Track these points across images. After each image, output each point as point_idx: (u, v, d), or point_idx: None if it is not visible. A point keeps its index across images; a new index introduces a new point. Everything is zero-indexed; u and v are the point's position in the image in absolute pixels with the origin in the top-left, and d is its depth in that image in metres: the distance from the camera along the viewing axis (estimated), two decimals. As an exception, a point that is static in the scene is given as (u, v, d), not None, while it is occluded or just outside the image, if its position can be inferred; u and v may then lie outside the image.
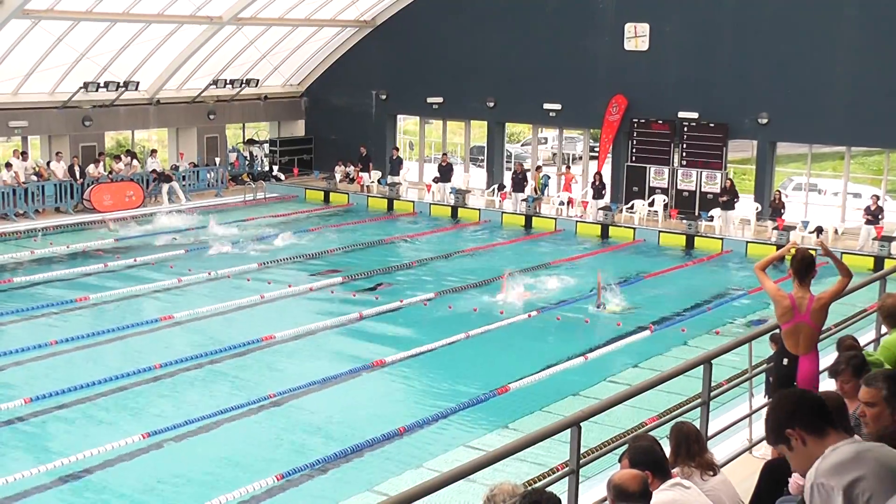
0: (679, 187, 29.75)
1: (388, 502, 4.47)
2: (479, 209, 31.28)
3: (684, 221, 28.10)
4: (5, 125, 29.35)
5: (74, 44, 28.29)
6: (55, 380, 15.59)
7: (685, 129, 29.50)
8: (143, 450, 13.12)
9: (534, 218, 29.95)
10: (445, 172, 32.54)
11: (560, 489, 5.46)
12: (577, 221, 29.35)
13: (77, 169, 30.12)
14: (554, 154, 37.91)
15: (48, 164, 30.20)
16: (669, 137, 29.79)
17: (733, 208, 27.98)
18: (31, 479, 12.05)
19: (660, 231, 28.11)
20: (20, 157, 29.74)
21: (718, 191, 28.58)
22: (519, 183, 30.89)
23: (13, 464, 12.57)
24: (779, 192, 28.19)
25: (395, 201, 32.49)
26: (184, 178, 33.08)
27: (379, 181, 33.88)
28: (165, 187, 31.66)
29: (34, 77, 29.01)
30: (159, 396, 15.30)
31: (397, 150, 34.65)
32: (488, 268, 24.30)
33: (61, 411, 14.49)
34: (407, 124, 40.32)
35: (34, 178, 29.39)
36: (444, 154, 34.01)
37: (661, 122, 29.78)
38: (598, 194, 29.93)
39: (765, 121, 28.46)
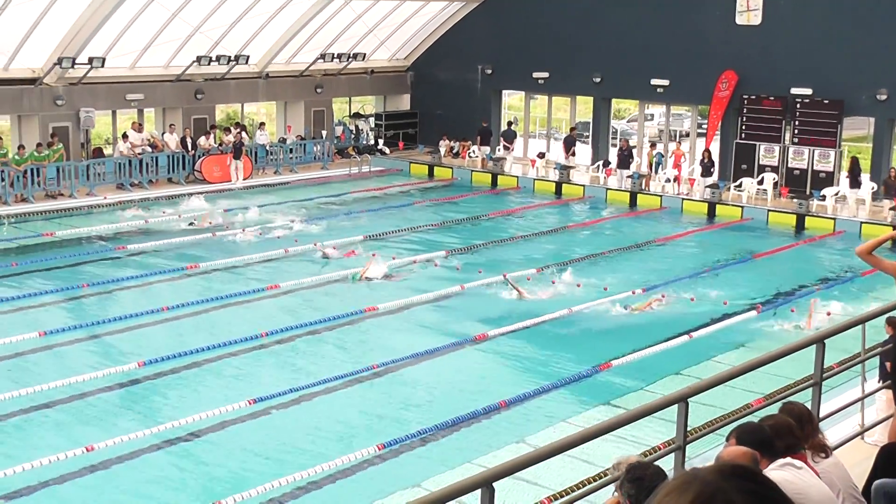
0: (790, 165, 29.05)
1: (488, 473, 4.48)
2: (584, 185, 31.03)
3: (795, 200, 27.43)
4: (123, 98, 30.14)
5: (189, 18, 28.86)
6: (166, 345, 16.01)
7: (798, 105, 28.75)
8: (249, 415, 13.39)
9: (639, 195, 29.59)
10: (625, 158, 30.78)
11: (665, 466, 5.40)
12: (683, 199, 28.91)
13: (189, 140, 30.79)
14: (660, 131, 37.38)
15: (162, 135, 30.93)
16: (781, 114, 29.07)
17: (859, 186, 27.22)
18: (142, 439, 12.40)
19: (769, 210, 27.50)
20: (136, 128, 30.54)
21: (832, 169, 27.86)
22: (625, 160, 30.53)
23: (127, 424, 12.96)
24: (894, 169, 27.29)
25: (498, 176, 32.43)
26: (291, 150, 33.54)
27: (484, 156, 33.84)
28: (234, 164, 30.91)
29: (150, 51, 29.69)
30: (265, 364, 15.59)
31: (487, 123, 34.53)
32: (592, 244, 24.14)
33: (171, 376, 14.88)
34: (512, 99, 40.14)
35: (149, 149, 30.13)
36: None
37: (772, 98, 29.07)
38: (706, 172, 29.41)
39: (883, 97, 27.56)
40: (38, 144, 27.56)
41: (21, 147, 27.54)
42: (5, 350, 15.65)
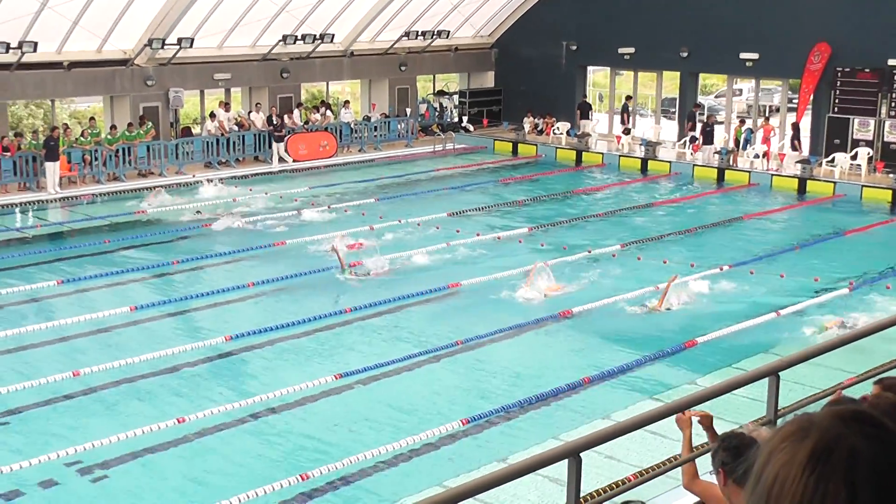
0: (886, 139, 28.26)
1: (575, 443, 4.44)
2: (670, 161, 30.62)
3: (891, 175, 26.70)
4: (211, 78, 30.58)
5: (274, -3, 29.16)
6: (252, 320, 16.23)
7: (895, 77, 27.94)
8: (333, 390, 13.50)
9: (726, 171, 29.10)
10: (709, 134, 30.46)
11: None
12: (772, 175, 28.35)
13: (275, 119, 31.11)
14: (749, 106, 36.69)
15: (248, 114, 31.31)
16: (877, 87, 28.26)
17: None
18: (230, 412, 12.60)
19: (863, 185, 26.82)
20: (223, 107, 30.97)
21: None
22: (709, 135, 30.00)
23: (217, 397, 13.18)
24: None
25: (583, 153, 32.18)
26: (375, 128, 33.69)
27: (568, 132, 33.60)
28: (276, 147, 30.47)
29: (237, 31, 30.04)
30: (349, 340, 15.71)
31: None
32: (679, 221, 23.83)
33: (258, 350, 15.09)
34: (596, 76, 39.76)
35: (235, 128, 30.54)
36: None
37: (867, 70, 28.28)
38: (796, 147, 28.78)
39: (983, 68, 26.67)
40: (129, 124, 28.14)
41: (113, 127, 28.17)
42: (98, 324, 16.03)
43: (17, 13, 24.77)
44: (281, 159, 30.36)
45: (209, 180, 27.38)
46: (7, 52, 25.16)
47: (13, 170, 25.89)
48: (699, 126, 30.91)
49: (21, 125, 32.75)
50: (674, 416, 5.51)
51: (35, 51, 25.71)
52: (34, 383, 13.39)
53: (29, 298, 17.58)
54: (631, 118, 33.88)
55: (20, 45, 25.36)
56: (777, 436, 1.65)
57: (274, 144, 30.33)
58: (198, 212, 24.42)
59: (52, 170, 25.75)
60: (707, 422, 5.41)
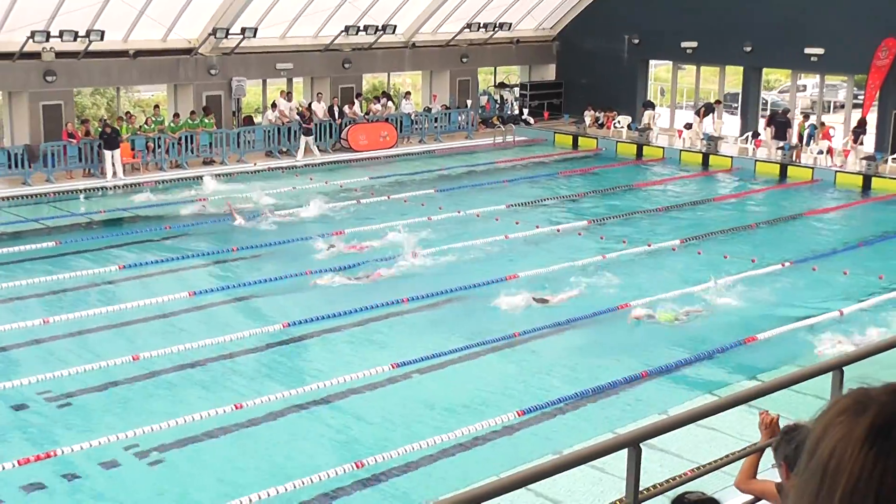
0: (954, 137, 27.66)
1: (636, 432, 4.38)
2: (732, 157, 30.25)
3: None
4: (273, 67, 30.79)
5: (337, -12, 29.27)
6: (310, 307, 16.29)
7: (964, 74, 27.34)
8: (389, 379, 13.52)
9: (789, 167, 28.67)
10: (781, 126, 29.84)
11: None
12: (836, 171, 27.87)
13: (336, 109, 31.25)
14: (813, 102, 36.10)
15: (310, 104, 31.47)
16: (946, 84, 27.67)
17: None
18: (287, 399, 12.66)
19: (929, 183, 26.30)
20: (285, 97, 31.17)
21: None
22: (781, 128, 29.48)
23: (273, 384, 13.26)
24: None
25: (644, 147, 31.91)
26: (436, 120, 33.69)
27: (629, 126, 33.35)
28: (304, 140, 29.97)
29: (300, 22, 30.20)
30: (406, 329, 15.71)
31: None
32: (740, 216, 23.55)
33: (315, 338, 15.16)
34: (658, 70, 39.38)
35: (297, 117, 30.71)
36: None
37: (936, 66, 27.69)
38: (860, 143, 28.26)
39: None
40: (192, 112, 28.44)
41: (176, 115, 28.47)
42: (157, 309, 16.22)
43: (86, 2, 25.15)
44: (309, 151, 30.01)
45: (268, 169, 27.55)
46: (75, 40, 25.54)
47: (78, 156, 26.30)
48: (764, 120, 30.43)
49: (85, 113, 33.23)
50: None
51: (102, 39, 26.07)
52: (94, 366, 13.58)
53: (91, 283, 17.84)
54: (716, 119, 32.54)
55: (88, 34, 25.73)
56: (832, 410, 1.59)
57: (302, 138, 29.96)
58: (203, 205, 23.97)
59: (112, 158, 26.09)
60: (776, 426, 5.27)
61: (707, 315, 16.29)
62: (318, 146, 30.57)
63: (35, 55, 25.93)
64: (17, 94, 26.60)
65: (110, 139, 26.13)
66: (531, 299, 16.69)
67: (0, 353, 14.38)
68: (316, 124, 30.60)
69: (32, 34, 24.94)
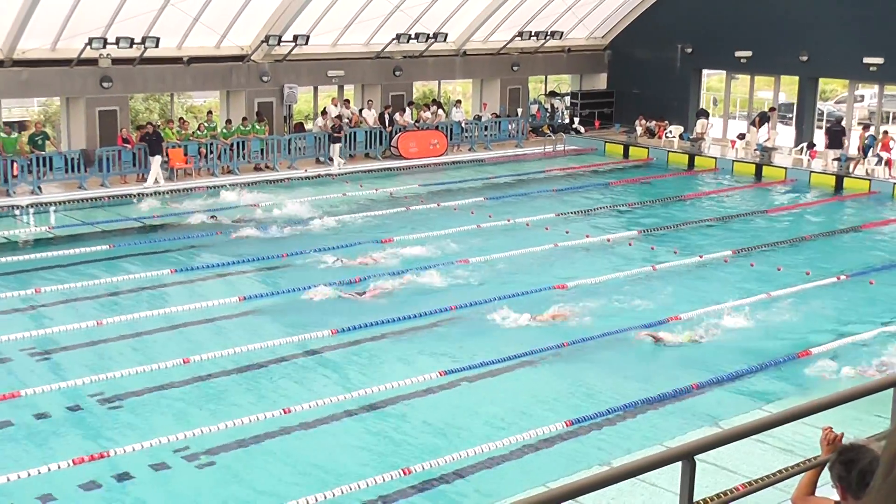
0: None
1: (690, 445, 4.31)
2: (786, 168, 29.89)
3: None
4: (324, 74, 30.98)
5: (389, -4, 29.38)
6: (358, 314, 16.30)
7: None
8: (439, 387, 13.49)
9: (845, 179, 28.27)
10: (835, 136, 29.49)
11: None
12: (894, 184, 27.42)
13: (386, 117, 31.34)
14: (871, 113, 35.59)
15: (360, 111, 31.59)
16: None
17: None
18: (334, 405, 12.68)
19: None
20: (335, 104, 31.31)
21: None
22: (836, 137, 29.04)
23: (322, 389, 13.28)
24: None
25: (696, 157, 31.64)
26: (486, 128, 33.67)
27: (681, 136, 33.10)
28: (334, 147, 29.49)
29: (351, 29, 30.35)
30: (455, 336, 15.65)
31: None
32: (794, 227, 23.27)
33: (363, 344, 15.16)
34: (711, 80, 39.05)
35: (341, 123, 30.81)
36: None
37: None
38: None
39: None
40: (244, 119, 28.67)
41: (228, 121, 28.71)
42: (208, 313, 16.33)
43: (142, 9, 25.46)
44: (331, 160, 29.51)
45: (318, 175, 27.65)
46: (131, 46, 25.87)
47: (132, 161, 26.60)
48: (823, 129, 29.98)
49: (138, 119, 33.61)
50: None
51: (157, 46, 26.39)
52: (146, 368, 13.71)
53: (143, 286, 18.02)
54: (770, 128, 32.10)
55: (143, 41, 26.05)
56: None
57: (331, 146, 29.60)
58: (212, 216, 23.26)
59: (156, 163, 26.29)
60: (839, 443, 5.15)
61: (761, 326, 16.08)
62: (367, 153, 30.65)
63: (92, 62, 26.30)
64: (75, 100, 26.99)
65: (153, 143, 26.27)
66: (579, 309, 16.58)
67: (56, 353, 14.56)
68: (366, 131, 30.70)
69: (90, 41, 25.31)
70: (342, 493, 10.25)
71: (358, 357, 14.83)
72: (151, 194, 25.56)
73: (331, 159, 29.54)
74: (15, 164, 24.76)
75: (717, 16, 33.25)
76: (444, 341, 15.45)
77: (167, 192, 25.90)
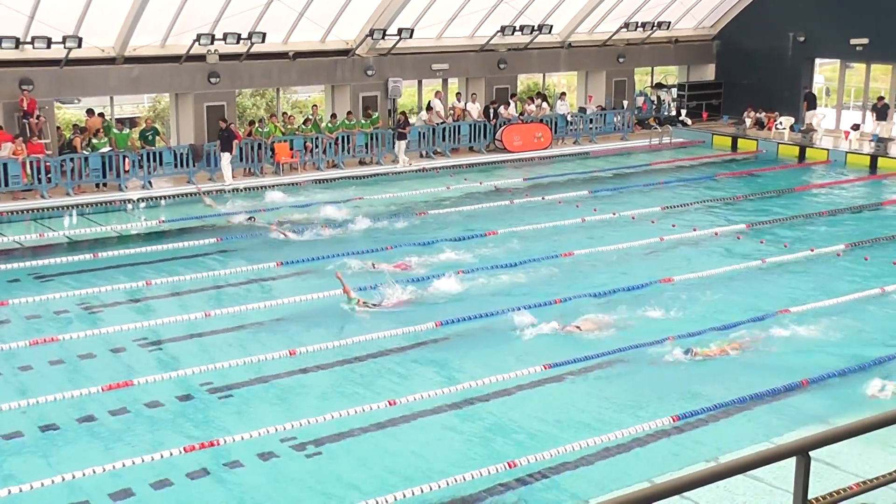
0: None
1: (805, 440, 4.17)
2: (902, 159, 29.00)
3: None
4: (428, 68, 31.07)
5: (494, -12, 29.33)
6: (463, 306, 16.28)
7: None
8: (543, 380, 13.39)
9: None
10: None
11: None
12: None
13: (491, 110, 31.29)
14: None
15: (465, 104, 31.60)
16: None
17: None
18: (439, 397, 12.68)
19: None
20: (440, 97, 31.37)
21: None
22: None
23: (425, 383, 13.31)
24: None
25: (807, 149, 30.86)
26: (591, 121, 33.37)
27: (792, 128, 32.33)
28: (399, 144, 29.10)
29: (456, 22, 30.38)
30: (561, 331, 15.50)
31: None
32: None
33: (468, 337, 15.12)
34: (823, 69, 38.04)
35: (450, 118, 30.89)
36: None
37: None
38: None
39: None
40: (349, 112, 28.92)
41: (333, 116, 29.00)
42: (313, 305, 16.47)
43: (249, 5, 25.89)
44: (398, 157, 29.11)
45: (422, 169, 27.76)
46: (238, 42, 26.31)
47: (239, 156, 27.04)
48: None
49: (246, 114, 34.21)
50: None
51: (263, 41, 26.79)
52: (253, 359, 13.92)
53: (250, 279, 18.30)
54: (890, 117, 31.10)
55: (250, 36, 26.48)
56: None
57: (396, 143, 29.22)
58: (250, 218, 22.79)
59: (226, 160, 26.36)
60: None
61: (881, 317, 15.61)
62: (472, 147, 30.65)
63: (200, 58, 26.82)
64: (183, 96, 27.58)
65: (224, 140, 26.19)
66: (683, 301, 16.30)
67: (167, 344, 14.89)
68: (470, 125, 30.71)
69: (198, 37, 25.81)
70: (448, 484, 10.23)
71: (462, 349, 14.73)
72: (260, 188, 25.95)
73: (399, 156, 29.16)
74: (127, 160, 25.41)
75: (832, 2, 32.35)
76: (547, 334, 15.22)
77: (270, 187, 26.15)
